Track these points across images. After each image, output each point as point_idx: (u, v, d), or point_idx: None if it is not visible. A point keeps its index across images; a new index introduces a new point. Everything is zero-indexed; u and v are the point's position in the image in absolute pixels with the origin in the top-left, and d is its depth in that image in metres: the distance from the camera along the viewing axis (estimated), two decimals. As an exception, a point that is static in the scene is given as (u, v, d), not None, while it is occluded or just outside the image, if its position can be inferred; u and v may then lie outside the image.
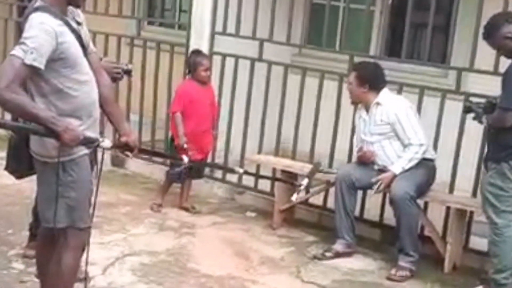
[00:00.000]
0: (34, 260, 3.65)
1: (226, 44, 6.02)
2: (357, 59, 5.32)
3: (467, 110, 4.40)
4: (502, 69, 4.36)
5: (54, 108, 3.00)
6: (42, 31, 2.89)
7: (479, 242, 4.85)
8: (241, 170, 4.22)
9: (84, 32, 3.21)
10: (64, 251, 3.17)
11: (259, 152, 5.87)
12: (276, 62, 5.82)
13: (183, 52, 6.13)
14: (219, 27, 6.02)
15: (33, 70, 2.88)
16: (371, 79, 4.86)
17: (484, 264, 4.68)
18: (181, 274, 4.35)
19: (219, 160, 6.05)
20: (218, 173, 6.15)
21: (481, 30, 4.29)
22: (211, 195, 6.08)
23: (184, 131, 5.33)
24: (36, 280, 3.70)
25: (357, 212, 5.11)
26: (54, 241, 3.18)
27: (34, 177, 3.31)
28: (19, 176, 3.74)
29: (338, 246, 4.86)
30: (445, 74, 6.14)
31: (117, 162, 6.49)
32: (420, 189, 4.69)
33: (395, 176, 4.69)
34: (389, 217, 4.97)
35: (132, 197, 5.81)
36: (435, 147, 5.01)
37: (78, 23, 3.16)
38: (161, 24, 8.14)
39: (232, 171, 4.33)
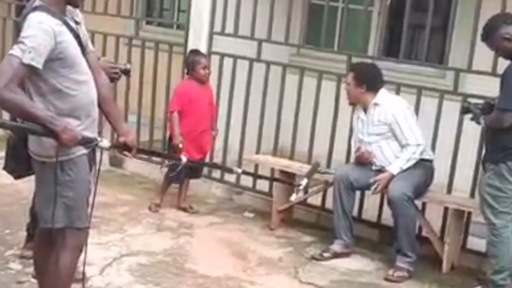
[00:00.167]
0: (31, 261, 3.65)
1: (224, 44, 6.02)
2: (355, 60, 5.33)
3: (465, 111, 4.41)
4: (500, 70, 4.37)
5: (53, 108, 2.99)
6: (41, 31, 2.88)
7: (477, 243, 4.86)
8: (239, 170, 4.21)
9: (83, 31, 3.20)
10: (62, 251, 3.16)
11: (257, 152, 5.86)
12: (274, 62, 5.82)
13: (182, 52, 6.13)
14: (217, 27, 6.02)
15: (32, 70, 2.87)
16: (368, 80, 4.86)
17: (482, 265, 4.69)
18: (178, 275, 4.34)
19: (217, 160, 6.05)
20: (216, 173, 6.15)
21: (479, 31, 4.29)
22: (209, 195, 6.07)
23: (183, 130, 5.33)
24: (34, 280, 3.70)
25: (355, 212, 5.11)
26: (52, 241, 3.17)
27: (32, 177, 3.31)
28: (17, 176, 3.73)
29: (336, 247, 4.86)
30: (443, 74, 6.15)
31: (115, 162, 6.49)
32: (418, 190, 4.70)
33: (393, 176, 4.69)
34: (387, 218, 4.96)
35: (130, 197, 5.80)
36: (433, 147, 5.01)
37: (77, 23, 3.16)
38: (159, 24, 8.14)
39: (230, 171, 4.32)
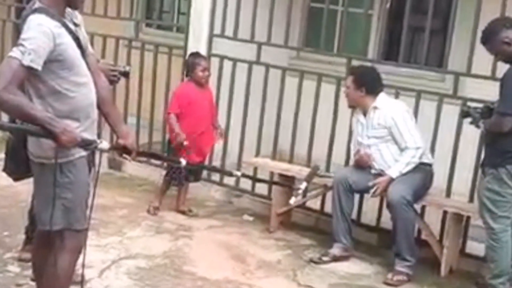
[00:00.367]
0: (29, 263, 3.64)
1: (224, 47, 6.02)
2: (354, 63, 5.33)
3: (464, 114, 4.41)
4: (499, 74, 4.37)
5: (52, 110, 2.99)
6: (40, 33, 2.89)
7: (476, 247, 4.86)
8: (239, 174, 4.21)
9: (82, 33, 3.20)
10: (60, 253, 3.15)
11: (257, 155, 5.86)
12: (274, 65, 5.81)
13: (181, 54, 6.13)
14: (217, 30, 6.02)
15: (31, 71, 2.87)
16: (368, 83, 4.86)
17: (480, 269, 4.69)
18: (177, 278, 4.34)
19: (217, 163, 6.04)
20: (216, 176, 6.14)
21: (479, 34, 4.29)
22: (208, 198, 6.07)
23: (182, 132, 5.33)
24: (32, 283, 3.69)
25: (354, 216, 5.11)
26: (51, 243, 3.16)
27: (31, 179, 3.30)
28: (16, 178, 3.72)
29: (335, 250, 4.85)
30: (443, 78, 6.15)
31: (114, 165, 6.48)
32: (417, 194, 4.69)
33: (392, 180, 4.69)
34: (386, 221, 4.96)
35: (129, 200, 5.80)
36: (432, 151, 5.01)
37: (76, 25, 3.16)
38: (159, 27, 8.13)
39: (230, 174, 4.31)
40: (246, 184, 5.85)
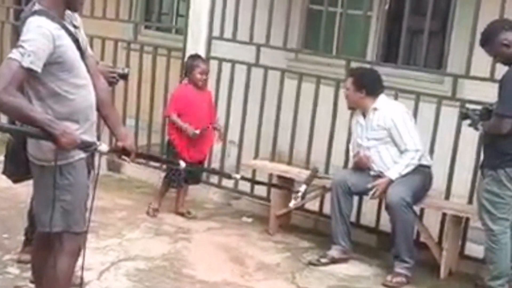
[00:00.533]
0: (29, 265, 3.63)
1: (222, 49, 6.02)
2: (353, 65, 5.33)
3: (463, 116, 4.41)
4: (498, 75, 4.38)
5: (51, 112, 2.99)
6: (40, 35, 2.89)
7: (475, 249, 4.86)
8: (238, 176, 4.21)
9: (82, 36, 3.21)
10: (59, 255, 3.15)
11: (256, 157, 5.86)
12: (272, 67, 5.82)
13: (180, 56, 6.13)
14: (216, 32, 6.02)
15: (30, 73, 2.87)
16: (368, 85, 4.86)
17: (479, 271, 4.69)
18: (176, 280, 4.33)
19: (215, 164, 6.04)
20: (214, 178, 6.14)
21: (478, 36, 4.30)
22: (207, 200, 6.06)
23: (181, 134, 5.33)
24: (32, 285, 3.69)
25: (353, 217, 5.11)
26: (50, 245, 3.16)
27: (31, 181, 3.30)
28: (16, 180, 3.73)
29: (334, 252, 4.85)
30: (441, 80, 6.15)
31: (113, 167, 6.48)
32: (416, 195, 4.69)
33: (391, 181, 4.69)
34: (385, 223, 4.96)
35: (128, 202, 5.79)
36: (431, 153, 5.01)
37: (75, 27, 3.16)
38: (158, 29, 8.14)
39: (229, 177, 4.31)
40: (245, 186, 5.85)
